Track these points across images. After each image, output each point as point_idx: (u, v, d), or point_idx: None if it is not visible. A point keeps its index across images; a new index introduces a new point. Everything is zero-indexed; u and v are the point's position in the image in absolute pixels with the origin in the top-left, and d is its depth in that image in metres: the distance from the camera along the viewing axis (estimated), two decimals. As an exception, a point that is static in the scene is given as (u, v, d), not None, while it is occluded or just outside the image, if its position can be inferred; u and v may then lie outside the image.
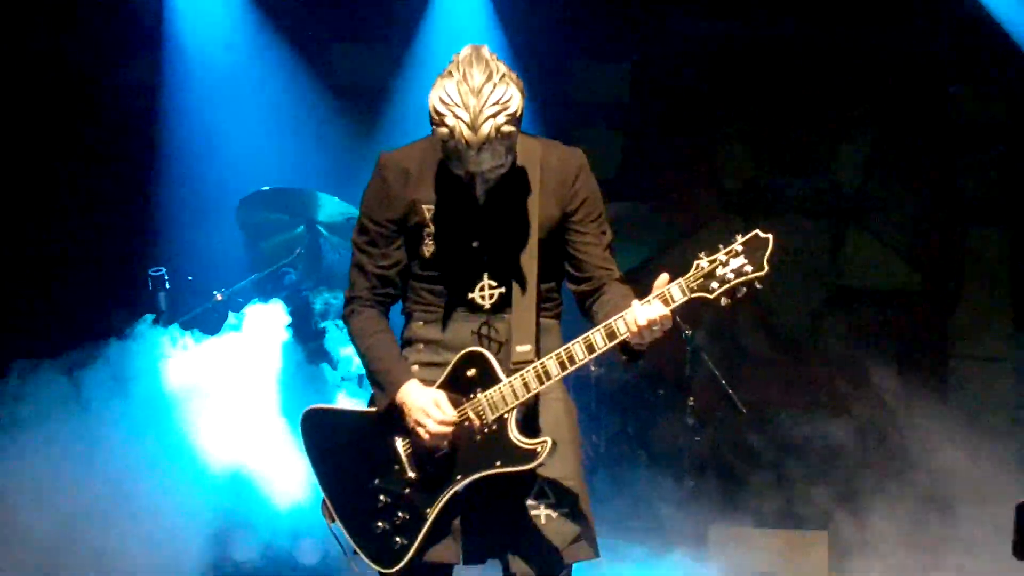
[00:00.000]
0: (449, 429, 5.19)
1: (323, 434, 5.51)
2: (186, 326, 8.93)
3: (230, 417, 8.45)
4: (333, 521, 5.40)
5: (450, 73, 5.14)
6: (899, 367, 10.35)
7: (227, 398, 8.52)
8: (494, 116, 5.04)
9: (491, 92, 5.08)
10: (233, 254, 10.12)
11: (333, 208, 9.42)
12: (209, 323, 9.09)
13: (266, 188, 9.60)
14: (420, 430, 5.20)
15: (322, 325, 9.19)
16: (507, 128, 5.07)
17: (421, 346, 5.46)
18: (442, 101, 5.05)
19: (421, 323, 5.47)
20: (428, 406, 5.20)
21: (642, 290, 5.11)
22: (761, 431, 10.19)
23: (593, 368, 9.25)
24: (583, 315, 5.53)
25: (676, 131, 11.64)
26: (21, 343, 8.93)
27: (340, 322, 8.71)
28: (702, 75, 11.55)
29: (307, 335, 9.03)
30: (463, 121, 5.00)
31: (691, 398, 9.62)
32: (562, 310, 5.55)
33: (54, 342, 8.75)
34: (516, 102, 5.10)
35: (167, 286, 9.17)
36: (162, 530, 7.95)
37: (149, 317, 8.89)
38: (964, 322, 11.47)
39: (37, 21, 10.24)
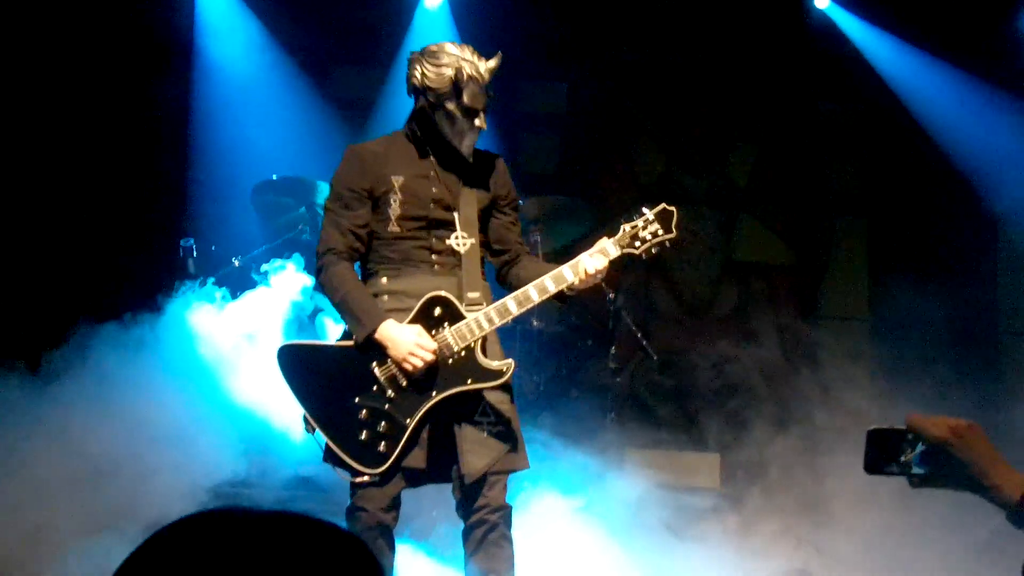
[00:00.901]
0: (432, 358, 5.25)
1: (300, 364, 5.48)
2: (216, 284, 8.92)
3: (253, 359, 8.39)
4: (313, 431, 5.38)
5: (423, 53, 5.52)
6: (779, 324, 10.36)
7: (251, 344, 8.48)
8: (481, 58, 5.48)
9: (465, 47, 5.52)
10: (248, 229, 10.06)
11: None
12: (230, 283, 9.05)
13: (275, 177, 9.58)
14: (411, 358, 5.25)
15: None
16: (495, 61, 5.50)
17: (386, 297, 5.49)
18: (441, 62, 5.43)
19: (385, 279, 5.53)
20: (413, 338, 5.28)
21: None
22: (668, 374, 10.21)
23: (535, 323, 9.22)
24: (499, 280, 5.76)
25: (602, 137, 11.62)
26: (83, 303, 8.84)
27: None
28: (624, 93, 11.54)
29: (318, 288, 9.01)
30: (468, 62, 5.45)
31: (613, 347, 9.63)
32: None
33: (109, 301, 8.68)
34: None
35: (195, 254, 9.13)
36: (195, 449, 7.83)
37: (192, 282, 8.88)
38: (830, 289, 11.53)
39: (95, 42, 10.12)
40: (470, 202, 5.59)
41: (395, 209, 5.48)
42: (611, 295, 9.42)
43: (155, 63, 10.42)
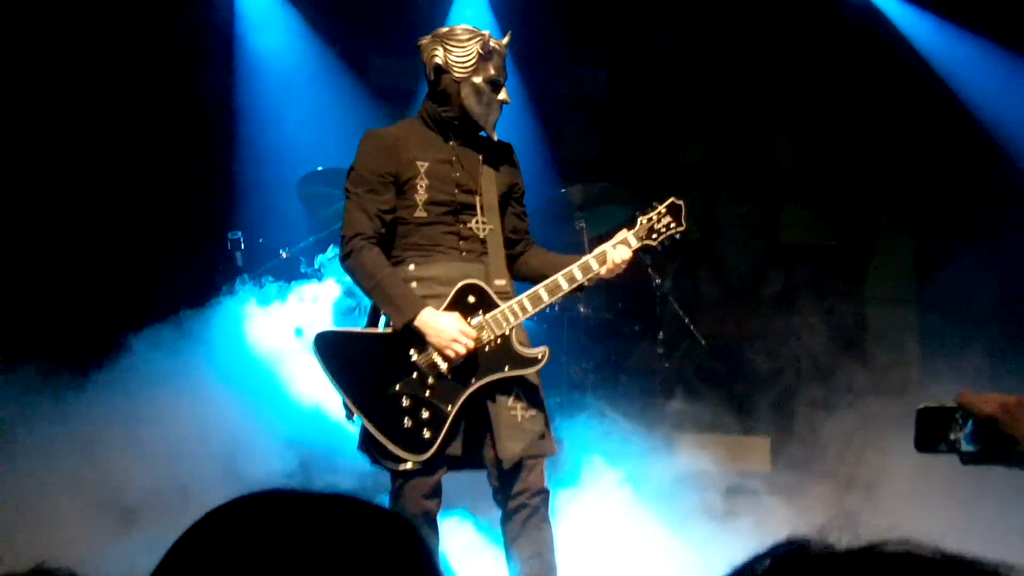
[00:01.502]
0: (474, 344, 5.31)
1: (338, 351, 5.49)
2: (270, 274, 8.97)
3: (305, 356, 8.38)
4: (351, 418, 5.42)
5: (437, 36, 5.65)
6: (825, 306, 10.33)
7: (301, 342, 8.49)
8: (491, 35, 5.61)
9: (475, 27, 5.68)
10: (295, 221, 10.09)
11: (374, 183, 9.41)
12: (284, 276, 9.14)
13: (320, 168, 9.59)
14: (454, 345, 5.30)
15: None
16: (506, 40, 5.66)
17: (415, 284, 5.52)
18: (462, 39, 5.57)
19: (413, 266, 5.56)
20: (455, 325, 5.34)
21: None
22: (716, 358, 10.21)
23: (582, 309, 9.23)
24: (508, 270, 5.76)
25: (644, 122, 11.60)
26: (133, 301, 8.92)
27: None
28: (665, 78, 11.51)
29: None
30: (485, 36, 5.58)
31: (660, 332, 9.64)
32: None
33: (159, 298, 8.76)
34: None
35: (243, 247, 9.14)
36: (249, 443, 7.83)
37: (241, 277, 8.92)
38: (877, 269, 11.46)
39: (138, 39, 10.12)
40: (491, 187, 5.67)
41: (421, 194, 5.53)
42: (657, 280, 9.42)
43: (198, 58, 10.47)
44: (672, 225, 5.57)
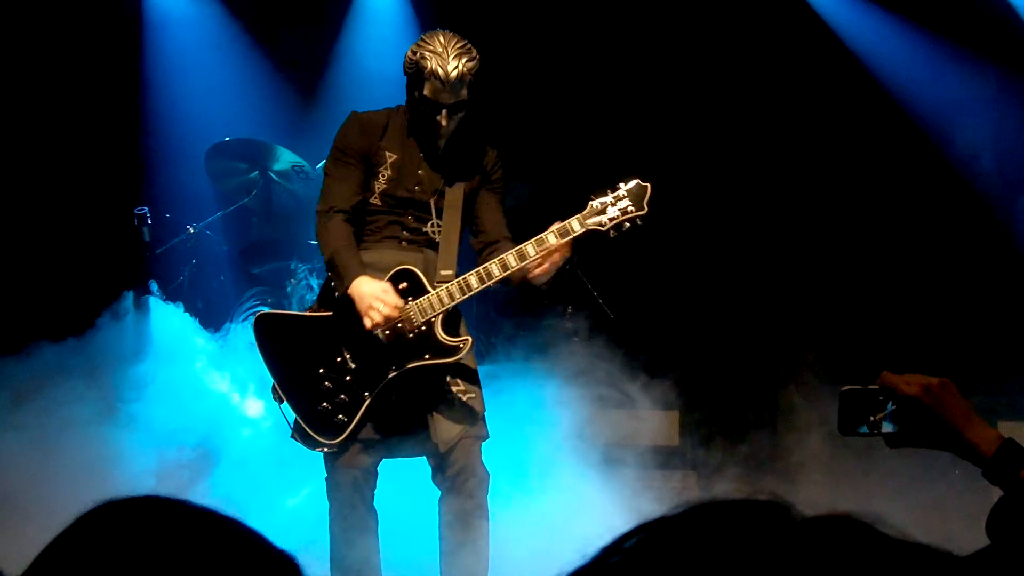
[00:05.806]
0: (395, 314, 5.23)
1: (273, 333, 5.55)
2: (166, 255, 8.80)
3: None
4: (282, 402, 5.49)
5: (421, 38, 5.41)
6: (731, 277, 10.31)
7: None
8: (459, 57, 5.27)
9: (456, 41, 5.33)
10: (203, 195, 9.95)
11: (283, 157, 9.34)
12: (184, 252, 9.03)
13: (228, 139, 9.45)
14: (372, 313, 5.28)
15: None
16: (470, 64, 5.31)
17: None
18: (420, 48, 5.33)
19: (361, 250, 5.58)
20: (379, 293, 5.30)
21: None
22: (625, 332, 10.15)
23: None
24: (479, 263, 5.72)
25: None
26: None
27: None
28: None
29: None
30: (436, 56, 5.18)
31: (569, 307, 9.61)
32: None
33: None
34: (475, 51, 5.34)
35: (149, 222, 8.95)
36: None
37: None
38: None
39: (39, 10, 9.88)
40: (456, 186, 5.65)
41: (381, 184, 5.55)
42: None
43: (101, 25, 10.25)
44: (632, 209, 5.28)
